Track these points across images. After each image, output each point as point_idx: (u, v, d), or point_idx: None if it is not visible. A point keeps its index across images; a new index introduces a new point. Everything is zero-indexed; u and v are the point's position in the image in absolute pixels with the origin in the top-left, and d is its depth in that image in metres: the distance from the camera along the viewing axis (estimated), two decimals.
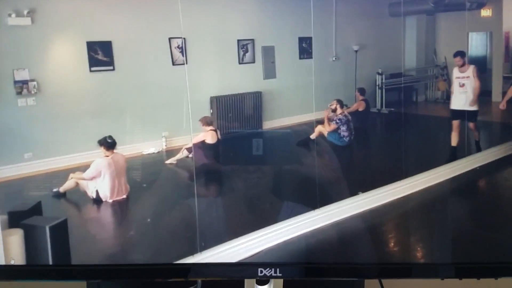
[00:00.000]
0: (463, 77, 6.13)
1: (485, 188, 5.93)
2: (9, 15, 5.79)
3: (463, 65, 6.20)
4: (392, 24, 7.64)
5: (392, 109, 7.68)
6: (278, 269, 3.54)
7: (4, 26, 5.75)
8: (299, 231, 4.58)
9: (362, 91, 7.34)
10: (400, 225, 4.69)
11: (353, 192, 5.11)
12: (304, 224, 4.61)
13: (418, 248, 4.47)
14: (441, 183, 5.46)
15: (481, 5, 7.50)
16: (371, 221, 4.62)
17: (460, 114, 6.04)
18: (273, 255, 4.26)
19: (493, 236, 4.58)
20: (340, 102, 6.85)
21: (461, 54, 6.36)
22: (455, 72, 6.36)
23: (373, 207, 4.88)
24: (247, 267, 3.85)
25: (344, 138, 6.53)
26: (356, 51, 7.68)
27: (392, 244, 4.54)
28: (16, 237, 3.71)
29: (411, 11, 7.75)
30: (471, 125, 6.18)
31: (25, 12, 5.88)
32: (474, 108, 6.13)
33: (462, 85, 6.12)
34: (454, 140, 6.00)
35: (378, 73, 7.85)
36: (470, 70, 6.29)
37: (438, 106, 8.35)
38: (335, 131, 6.52)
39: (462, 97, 6.21)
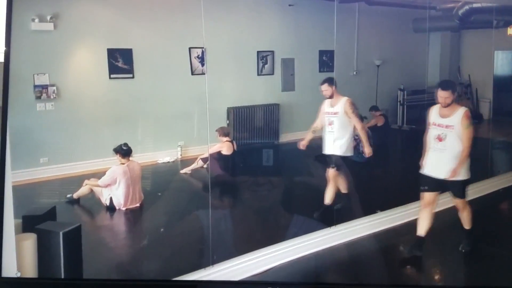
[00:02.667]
0: (331, 113, 5.07)
1: (508, 209, 5.75)
2: (33, 20, 5.87)
3: (331, 96, 5.05)
4: (416, 40, 7.55)
5: (414, 126, 7.56)
6: None
7: (27, 31, 5.81)
8: (313, 248, 4.47)
9: (375, 108, 7.24)
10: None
11: (371, 210, 5.00)
12: (319, 241, 4.51)
13: (436, 271, 4.33)
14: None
15: (508, 23, 7.38)
16: (388, 241, 4.49)
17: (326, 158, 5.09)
18: (284, 273, 4.15)
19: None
20: (358, 116, 6.74)
21: (329, 81, 5.13)
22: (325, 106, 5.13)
23: (390, 227, 4.75)
24: (256, 286, 3.75)
25: (363, 154, 6.41)
26: (378, 66, 7.60)
27: (408, 266, 4.40)
28: (30, 242, 3.68)
29: (436, 28, 7.65)
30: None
31: (48, 18, 5.94)
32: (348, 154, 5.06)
33: (330, 123, 5.03)
34: None
35: (400, 89, 7.75)
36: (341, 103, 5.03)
37: None
38: (354, 147, 6.41)
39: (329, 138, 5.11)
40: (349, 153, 5.06)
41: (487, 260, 4.28)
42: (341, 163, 5.05)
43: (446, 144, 4.18)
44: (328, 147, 5.07)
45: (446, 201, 4.77)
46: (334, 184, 5.03)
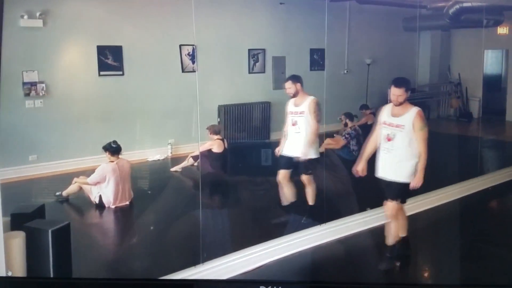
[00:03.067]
0: (296, 113, 4.76)
1: (496, 208, 5.79)
2: (22, 16, 5.81)
3: (295, 94, 4.78)
4: (406, 39, 7.59)
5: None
6: (280, 287, 3.42)
7: (16, 28, 5.76)
8: (304, 245, 4.47)
9: (365, 107, 7.27)
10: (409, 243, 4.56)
11: (361, 208, 5.01)
12: (310, 239, 4.51)
13: (426, 268, 4.35)
14: (451, 202, 5.34)
15: (498, 23, 7.44)
16: (379, 238, 4.50)
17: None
18: (275, 270, 4.15)
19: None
20: (348, 115, 6.77)
21: (293, 78, 4.79)
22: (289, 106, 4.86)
23: (381, 224, 4.76)
24: (248, 285, 3.73)
25: (354, 153, 6.42)
26: (368, 65, 7.63)
27: (400, 263, 4.41)
28: (19, 240, 3.65)
29: (426, 26, 7.69)
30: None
31: (38, 14, 5.89)
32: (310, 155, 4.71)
33: (294, 123, 4.73)
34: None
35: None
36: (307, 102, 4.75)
37: (451, 123, 8.25)
38: (345, 145, 6.43)
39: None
40: (317, 155, 4.78)
41: (478, 257, 4.30)
42: (308, 165, 4.78)
43: (394, 144, 3.99)
44: (291, 148, 4.79)
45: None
46: (310, 187, 4.79)
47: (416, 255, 4.38)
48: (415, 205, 5.04)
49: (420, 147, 3.95)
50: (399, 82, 4.00)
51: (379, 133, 4.13)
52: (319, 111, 4.73)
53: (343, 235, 4.66)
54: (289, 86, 4.77)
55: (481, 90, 7.90)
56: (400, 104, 3.97)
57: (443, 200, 5.30)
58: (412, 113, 3.94)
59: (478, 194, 5.56)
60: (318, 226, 4.68)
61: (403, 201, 4.15)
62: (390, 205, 4.08)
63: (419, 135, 3.94)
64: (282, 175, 4.81)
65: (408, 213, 4.89)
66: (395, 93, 3.96)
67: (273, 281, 3.35)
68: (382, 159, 4.09)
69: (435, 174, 5.92)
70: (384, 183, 4.10)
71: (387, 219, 4.21)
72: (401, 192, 4.06)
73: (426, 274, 4.26)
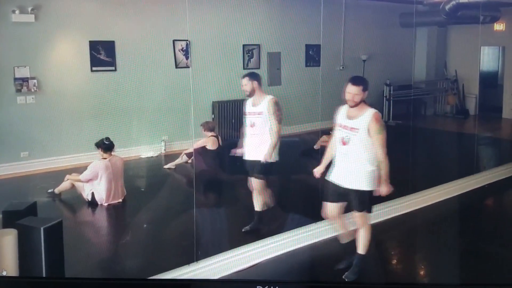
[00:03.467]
0: (253, 114, 4.40)
1: (493, 206, 5.78)
2: (13, 11, 5.75)
3: (251, 93, 4.40)
4: (402, 35, 7.57)
5: (400, 121, 7.58)
6: (277, 287, 3.38)
7: (7, 23, 5.70)
8: (300, 243, 4.43)
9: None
10: (404, 242, 4.54)
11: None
12: (306, 236, 4.47)
13: (423, 267, 4.32)
14: (449, 200, 5.32)
15: (494, 19, 7.42)
16: (375, 236, 4.46)
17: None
18: (271, 268, 4.11)
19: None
20: None
21: (250, 75, 4.41)
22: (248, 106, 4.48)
23: (377, 222, 4.73)
24: (245, 284, 3.69)
25: None
26: (364, 61, 7.60)
27: (396, 261, 4.38)
28: (10, 238, 3.61)
29: (423, 23, 7.68)
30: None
31: (29, 9, 5.83)
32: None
33: (252, 125, 4.36)
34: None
35: (386, 84, 7.77)
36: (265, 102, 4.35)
37: (447, 120, 8.24)
38: None
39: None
40: (276, 159, 4.42)
41: (475, 256, 4.28)
42: (261, 169, 4.42)
43: (349, 149, 3.66)
44: (249, 152, 4.45)
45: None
46: (259, 193, 4.47)
47: (414, 254, 4.36)
48: (411, 203, 5.02)
49: (378, 152, 3.61)
50: (356, 80, 3.69)
51: (335, 136, 3.82)
52: (279, 111, 4.40)
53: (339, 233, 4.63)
54: (245, 83, 4.43)
55: (477, 87, 7.90)
56: (356, 105, 3.63)
57: (439, 198, 5.28)
58: (368, 115, 3.62)
59: (474, 192, 5.54)
60: (315, 224, 4.64)
61: (368, 211, 3.81)
62: (356, 216, 3.78)
63: (376, 139, 3.60)
64: (254, 182, 4.48)
65: (404, 211, 4.88)
66: (351, 91, 3.63)
67: (270, 281, 3.31)
68: (337, 164, 3.78)
69: (431, 171, 5.91)
70: (340, 190, 3.77)
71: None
72: (365, 201, 3.73)
73: (423, 273, 4.23)
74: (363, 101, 3.68)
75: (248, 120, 4.42)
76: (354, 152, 3.65)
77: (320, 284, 3.68)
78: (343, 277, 3.76)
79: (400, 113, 7.55)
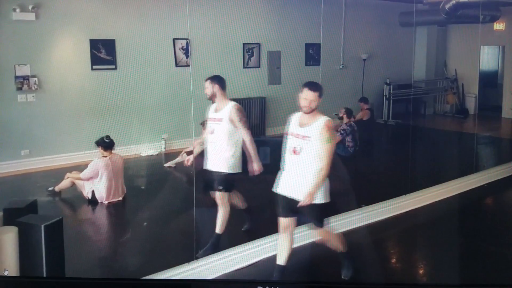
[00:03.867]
0: (214, 120, 4.09)
1: (493, 205, 5.79)
2: (14, 9, 5.76)
3: (211, 97, 4.11)
4: (402, 34, 7.57)
5: (399, 120, 7.58)
6: (278, 287, 3.38)
7: (8, 21, 5.71)
8: (300, 242, 4.44)
9: (365, 100, 7.25)
10: (403, 241, 4.54)
11: (356, 205, 4.99)
12: (305, 235, 4.47)
13: (422, 266, 4.32)
14: (448, 199, 5.33)
15: (494, 18, 7.43)
16: (374, 235, 4.48)
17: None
18: (270, 266, 4.12)
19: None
20: (348, 111, 6.74)
21: (212, 78, 4.06)
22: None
23: (376, 221, 4.74)
24: (245, 285, 3.68)
25: (349, 149, 6.41)
26: (364, 60, 7.61)
27: (395, 260, 4.39)
28: (11, 235, 3.62)
29: (423, 22, 7.68)
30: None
31: (30, 7, 5.83)
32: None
33: (212, 132, 4.06)
34: None
35: (386, 83, 7.78)
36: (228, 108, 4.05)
37: (447, 119, 8.24)
38: (340, 141, 6.41)
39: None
40: (237, 170, 4.11)
41: (475, 256, 4.29)
42: (227, 181, 4.13)
43: (301, 159, 3.47)
44: (209, 161, 4.15)
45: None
46: (225, 209, 4.14)
47: (414, 253, 4.37)
48: (410, 202, 5.03)
49: (322, 160, 3.43)
50: (313, 85, 3.50)
51: (287, 145, 3.60)
52: (244, 117, 4.10)
53: (338, 231, 4.64)
54: (206, 86, 4.14)
55: (477, 86, 7.91)
56: (312, 111, 3.47)
57: (438, 197, 5.28)
58: (320, 122, 3.46)
59: (474, 191, 5.54)
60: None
61: (321, 226, 3.59)
62: (320, 232, 3.58)
63: (324, 147, 3.43)
64: (218, 196, 4.16)
65: (403, 211, 4.89)
66: (308, 97, 3.45)
67: (270, 281, 3.32)
68: (286, 175, 3.57)
69: (430, 171, 5.92)
70: (291, 203, 3.54)
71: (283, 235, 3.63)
72: (321, 215, 3.54)
73: (422, 273, 4.24)
74: (316, 108, 3.51)
75: (209, 126, 4.17)
76: (306, 162, 3.48)
77: (320, 284, 3.69)
78: (343, 277, 3.74)
79: (399, 112, 7.56)
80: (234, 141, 4.09)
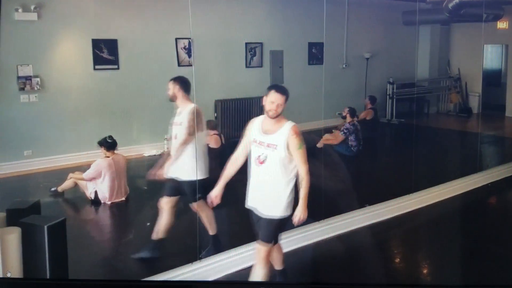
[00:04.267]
0: (176, 124, 3.90)
1: (496, 204, 5.77)
2: (16, 10, 5.76)
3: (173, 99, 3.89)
4: (405, 33, 7.54)
5: (403, 120, 7.57)
6: None
7: (10, 21, 5.71)
8: (302, 242, 4.43)
9: (373, 99, 7.23)
10: (406, 241, 4.53)
11: (360, 204, 4.98)
12: (308, 235, 4.47)
13: (426, 266, 4.31)
14: (452, 198, 5.31)
15: (497, 17, 7.40)
16: (378, 235, 4.46)
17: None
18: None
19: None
20: (352, 110, 6.72)
21: (175, 79, 3.86)
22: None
23: (379, 221, 4.73)
24: (247, 286, 3.65)
25: (352, 148, 6.39)
26: (367, 59, 7.59)
27: (398, 261, 4.38)
28: (14, 236, 3.62)
29: (426, 20, 7.66)
30: None
31: (32, 8, 5.84)
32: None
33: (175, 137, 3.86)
34: None
35: (389, 82, 7.76)
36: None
37: (450, 118, 8.22)
38: (343, 140, 6.40)
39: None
40: (203, 176, 3.89)
41: (478, 256, 4.28)
42: (186, 189, 3.95)
43: (266, 168, 3.22)
44: (171, 167, 3.96)
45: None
46: (206, 212, 3.99)
47: (416, 253, 4.36)
48: (414, 202, 5.02)
49: (300, 169, 3.20)
50: (281, 89, 3.25)
51: (248, 152, 3.36)
52: (193, 122, 3.84)
53: (342, 232, 4.63)
54: (169, 87, 3.93)
55: (480, 85, 7.89)
56: (277, 116, 3.21)
57: (442, 197, 5.27)
58: (285, 129, 3.21)
59: (478, 191, 5.53)
60: (317, 222, 4.64)
61: (275, 242, 3.35)
62: (259, 248, 3.26)
63: (296, 155, 3.20)
64: (165, 201, 3.99)
65: (406, 210, 4.88)
66: (276, 100, 3.19)
67: (272, 282, 3.30)
68: (252, 186, 3.32)
69: (434, 170, 5.90)
70: (256, 217, 3.34)
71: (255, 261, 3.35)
72: (275, 230, 3.28)
73: (425, 273, 4.23)
74: (281, 113, 3.28)
75: (173, 130, 3.97)
76: (271, 173, 3.24)
77: (320, 285, 3.68)
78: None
79: (403, 111, 7.54)
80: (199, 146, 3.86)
